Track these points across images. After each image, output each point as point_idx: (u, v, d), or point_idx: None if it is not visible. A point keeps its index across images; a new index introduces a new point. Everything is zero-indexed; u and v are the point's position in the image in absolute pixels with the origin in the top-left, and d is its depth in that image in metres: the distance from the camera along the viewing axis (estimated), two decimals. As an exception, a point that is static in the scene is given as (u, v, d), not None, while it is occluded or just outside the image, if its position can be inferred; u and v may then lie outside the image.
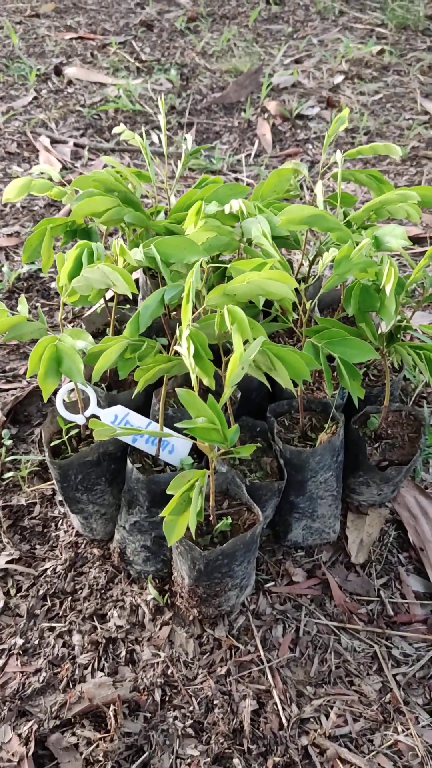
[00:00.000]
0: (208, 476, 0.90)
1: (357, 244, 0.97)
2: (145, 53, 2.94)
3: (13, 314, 0.96)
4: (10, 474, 1.31)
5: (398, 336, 1.03)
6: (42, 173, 1.19)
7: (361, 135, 2.41)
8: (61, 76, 2.72)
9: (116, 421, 1.05)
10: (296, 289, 1.03)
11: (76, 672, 1.05)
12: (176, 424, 0.80)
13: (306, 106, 2.57)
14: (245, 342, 0.79)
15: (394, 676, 1.06)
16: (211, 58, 2.93)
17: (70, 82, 2.69)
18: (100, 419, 1.06)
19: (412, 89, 2.71)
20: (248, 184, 2.16)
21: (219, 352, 1.05)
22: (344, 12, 3.41)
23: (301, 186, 2.09)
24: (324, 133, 2.44)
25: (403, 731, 1.00)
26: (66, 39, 3.05)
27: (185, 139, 1.21)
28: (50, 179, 1.49)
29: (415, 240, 1.93)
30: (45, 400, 0.89)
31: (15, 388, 1.48)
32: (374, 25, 3.27)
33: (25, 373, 1.52)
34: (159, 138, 2.32)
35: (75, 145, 2.29)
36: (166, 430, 1.04)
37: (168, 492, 0.85)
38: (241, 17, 3.34)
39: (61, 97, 2.60)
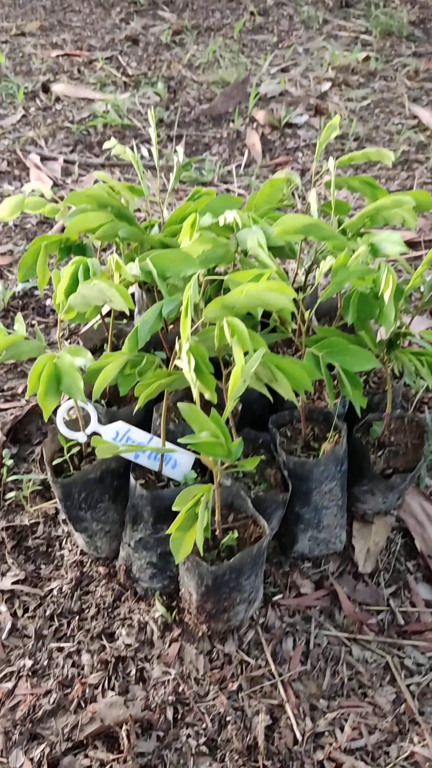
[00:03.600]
0: (213, 491, 0.90)
1: (353, 252, 0.97)
2: (132, 68, 2.95)
3: (10, 333, 0.95)
4: (12, 494, 1.30)
5: (398, 343, 1.03)
6: (34, 191, 1.18)
7: (350, 141, 2.42)
8: (49, 94, 2.73)
9: (118, 437, 1.04)
10: (294, 299, 1.03)
11: (87, 692, 1.04)
12: (179, 440, 0.79)
13: (294, 115, 2.58)
14: (246, 354, 0.78)
15: (408, 686, 1.05)
16: (197, 70, 2.94)
17: (57, 99, 2.69)
18: (101, 436, 1.05)
19: (400, 94, 2.72)
20: (239, 195, 2.16)
21: (219, 365, 1.04)
22: (328, 21, 3.43)
23: (292, 194, 2.10)
24: (313, 141, 2.44)
25: (419, 742, 0.99)
26: (52, 56, 3.06)
27: (176, 151, 1.21)
28: (42, 196, 1.48)
29: (410, 245, 1.93)
30: (46, 419, 0.88)
31: (14, 407, 1.47)
32: (358, 32, 3.29)
33: (23, 392, 1.51)
34: (149, 151, 2.33)
35: (65, 161, 2.29)
36: (168, 445, 1.03)
37: (174, 508, 0.84)
38: (226, 29, 3.35)
39: (49, 114, 2.60)
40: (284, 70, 2.94)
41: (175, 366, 0.92)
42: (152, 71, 2.92)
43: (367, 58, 2.99)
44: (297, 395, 1.07)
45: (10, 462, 1.35)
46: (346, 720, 1.01)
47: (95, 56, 3.03)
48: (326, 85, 2.77)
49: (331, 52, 2.98)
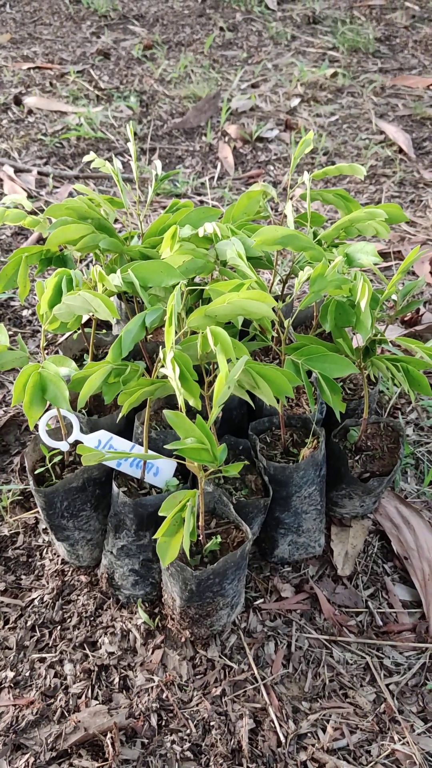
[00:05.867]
0: (198, 496, 0.91)
1: (329, 262, 1.00)
2: (104, 81, 2.97)
3: (-8, 344, 0.96)
4: (-9, 505, 1.29)
5: (373, 350, 1.06)
6: (13, 203, 1.19)
7: (320, 155, 2.47)
8: (21, 106, 2.73)
9: (100, 445, 1.05)
10: (273, 308, 1.05)
11: (70, 702, 1.04)
12: (166, 446, 0.81)
13: (265, 129, 2.62)
14: (228, 361, 0.80)
15: (387, 686, 1.07)
16: (169, 84, 2.97)
17: (30, 112, 2.70)
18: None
19: (367, 110, 2.79)
20: (213, 206, 2.19)
21: (200, 373, 1.06)
22: (296, 37, 3.50)
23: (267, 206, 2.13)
24: (284, 155, 2.49)
25: (400, 740, 1.01)
26: (24, 69, 3.07)
27: (155, 165, 1.23)
28: (22, 208, 1.48)
29: (380, 255, 1.98)
30: (31, 428, 0.89)
31: (-9, 418, 1.47)
32: (326, 48, 3.36)
33: None
34: (122, 164, 2.35)
35: (39, 173, 2.30)
36: (150, 452, 1.04)
37: (160, 513, 0.85)
38: (196, 44, 3.40)
39: (22, 126, 2.61)
40: (254, 86, 2.99)
41: (158, 375, 0.94)
42: (124, 85, 2.94)
43: (334, 74, 3.05)
44: (278, 401, 1.09)
45: (-12, 473, 1.35)
46: (327, 721, 1.03)
47: (67, 69, 3.05)
48: (295, 101, 2.83)
49: (299, 68, 3.04)
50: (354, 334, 1.27)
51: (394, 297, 1.15)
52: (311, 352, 0.97)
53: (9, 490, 1.32)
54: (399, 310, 1.13)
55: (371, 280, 1.88)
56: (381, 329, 1.10)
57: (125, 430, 1.16)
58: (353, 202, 1.19)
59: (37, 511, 1.30)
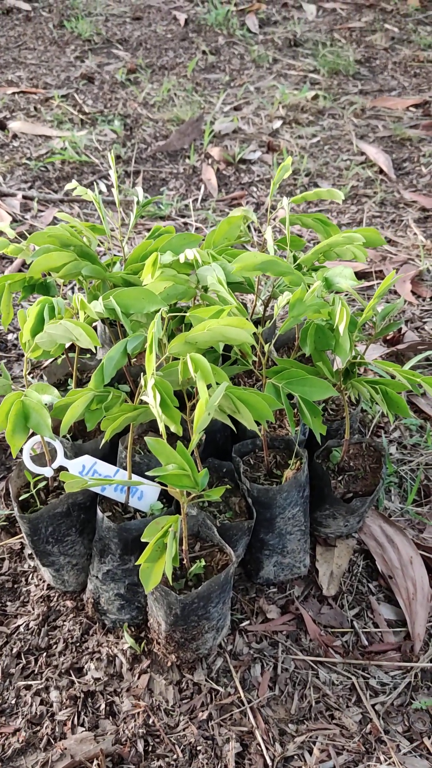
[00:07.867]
0: (180, 521, 0.92)
1: (309, 286, 1.01)
2: (88, 105, 3.00)
3: (-24, 372, 0.97)
4: (-23, 531, 1.29)
5: (354, 371, 1.08)
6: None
7: (302, 176, 2.50)
8: (6, 131, 2.75)
9: (84, 471, 1.06)
10: (253, 333, 1.06)
11: (56, 729, 1.04)
12: (147, 472, 0.81)
13: (248, 151, 2.66)
14: (209, 387, 0.82)
15: (373, 706, 1.08)
16: (152, 108, 3.01)
17: (15, 136, 2.72)
18: (67, 470, 1.06)
19: (348, 132, 2.83)
20: (197, 228, 2.21)
21: (182, 397, 1.07)
22: (278, 59, 3.55)
23: (248, 228, 2.16)
24: (267, 176, 2.52)
25: (386, 760, 1.01)
26: (8, 93, 3.09)
27: (137, 191, 1.25)
28: (4, 235, 1.50)
29: (361, 275, 2.00)
30: (14, 456, 0.89)
31: (-24, 443, 1.47)
32: (307, 71, 3.41)
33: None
34: (107, 187, 2.37)
35: (24, 197, 2.32)
36: (134, 477, 1.05)
37: (143, 539, 0.86)
38: (179, 67, 3.44)
39: (6, 150, 2.63)
40: (237, 108, 3.03)
41: (140, 400, 0.95)
42: (108, 109, 2.98)
43: (315, 97, 3.10)
44: (259, 425, 1.11)
45: (-26, 498, 1.35)
46: (314, 743, 1.03)
47: (51, 94, 3.08)
48: (277, 123, 2.87)
49: (281, 90, 3.09)
50: (334, 356, 1.29)
51: (374, 318, 1.17)
52: (291, 375, 0.99)
53: (-6, 516, 1.32)
54: (378, 331, 1.15)
55: (353, 301, 1.90)
56: (361, 350, 1.11)
57: (110, 454, 1.17)
58: (332, 226, 1.21)
59: (22, 537, 1.30)
